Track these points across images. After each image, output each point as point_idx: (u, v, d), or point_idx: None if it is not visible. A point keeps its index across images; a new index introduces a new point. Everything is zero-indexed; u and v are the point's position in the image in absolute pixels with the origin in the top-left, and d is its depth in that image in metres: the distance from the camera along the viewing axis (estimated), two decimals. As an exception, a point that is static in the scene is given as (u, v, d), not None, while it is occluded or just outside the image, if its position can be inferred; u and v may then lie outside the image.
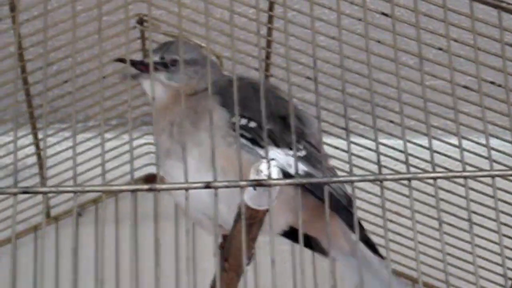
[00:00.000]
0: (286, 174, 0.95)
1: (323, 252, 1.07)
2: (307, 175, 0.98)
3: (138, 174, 1.37)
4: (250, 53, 1.20)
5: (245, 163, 0.86)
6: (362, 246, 1.02)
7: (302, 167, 0.98)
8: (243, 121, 0.97)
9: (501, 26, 0.95)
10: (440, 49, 1.10)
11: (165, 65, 1.02)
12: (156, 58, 1.02)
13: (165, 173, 1.00)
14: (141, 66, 1.02)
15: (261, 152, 0.95)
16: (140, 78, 1.02)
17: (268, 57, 1.22)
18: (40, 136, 1.28)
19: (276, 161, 0.86)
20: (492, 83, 1.11)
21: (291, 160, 0.97)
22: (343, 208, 0.99)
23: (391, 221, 1.25)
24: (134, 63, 1.02)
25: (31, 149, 1.30)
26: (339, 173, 1.16)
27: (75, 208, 0.83)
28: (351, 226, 0.99)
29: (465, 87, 1.12)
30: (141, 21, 1.19)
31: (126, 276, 1.34)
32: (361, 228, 1.03)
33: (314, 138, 1.02)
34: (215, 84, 0.95)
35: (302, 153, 0.99)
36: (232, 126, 0.96)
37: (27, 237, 1.35)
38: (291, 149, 0.97)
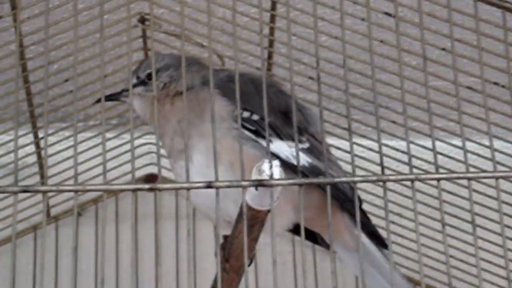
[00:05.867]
0: (291, 167, 0.95)
1: (327, 246, 1.07)
2: (312, 166, 0.99)
3: (139, 174, 1.37)
4: (252, 53, 1.19)
5: (252, 158, 0.86)
6: (367, 243, 1.02)
7: (306, 159, 0.99)
8: (246, 114, 0.98)
9: (505, 27, 0.94)
10: (444, 49, 1.09)
11: (143, 82, 1.07)
12: (134, 80, 1.07)
13: (176, 175, 1.01)
14: (124, 93, 1.07)
15: (265, 144, 0.95)
16: (121, 98, 1.08)
17: (270, 56, 1.22)
18: (40, 135, 1.28)
19: (281, 152, 0.86)
20: (495, 83, 1.11)
21: (295, 152, 0.97)
22: (349, 201, 0.99)
23: (393, 222, 1.25)
24: (115, 94, 1.08)
25: (31, 148, 1.29)
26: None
27: (76, 207, 0.82)
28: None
29: (469, 87, 1.11)
30: (142, 20, 1.19)
31: (126, 276, 1.33)
32: (368, 221, 1.04)
33: (317, 133, 1.02)
34: (208, 78, 0.95)
35: (306, 145, 1.00)
36: (236, 118, 0.96)
37: (27, 236, 1.35)
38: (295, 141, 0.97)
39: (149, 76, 1.06)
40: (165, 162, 1.12)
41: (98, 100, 1.04)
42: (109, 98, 1.07)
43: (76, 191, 0.80)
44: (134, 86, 1.06)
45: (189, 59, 1.04)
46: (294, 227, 1.02)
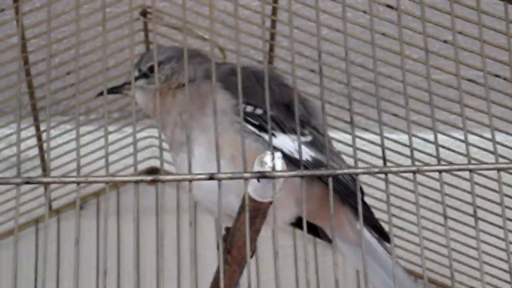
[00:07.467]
0: (294, 161, 0.95)
1: (328, 239, 1.07)
2: (314, 160, 0.99)
3: (140, 167, 1.37)
4: (253, 46, 1.19)
5: (253, 152, 0.86)
6: (368, 237, 1.02)
7: (309, 153, 0.99)
8: (249, 108, 0.98)
9: (507, 19, 0.94)
10: (445, 42, 1.09)
11: (145, 75, 1.06)
12: (136, 73, 1.06)
13: (177, 168, 1.01)
14: (127, 86, 1.07)
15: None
16: (123, 90, 1.08)
17: (271, 49, 1.22)
18: (42, 128, 1.28)
19: (284, 146, 0.86)
20: (497, 76, 1.11)
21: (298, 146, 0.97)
22: (352, 194, 0.99)
23: (394, 215, 1.25)
24: (118, 87, 1.07)
25: (33, 141, 1.29)
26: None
27: (78, 199, 0.82)
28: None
29: (471, 80, 1.11)
30: (144, 13, 1.19)
31: (128, 268, 1.33)
32: (371, 214, 1.04)
33: (319, 126, 1.02)
34: (210, 71, 0.95)
35: (308, 138, 1.00)
36: (239, 112, 0.96)
37: (28, 229, 1.35)
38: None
39: (151, 68, 1.05)
40: (167, 155, 1.12)
41: (101, 93, 1.04)
42: (111, 91, 1.07)
43: (78, 183, 0.80)
44: (136, 79, 1.06)
45: (191, 52, 1.04)
46: (295, 220, 1.02)
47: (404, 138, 1.14)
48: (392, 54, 1.11)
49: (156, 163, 1.37)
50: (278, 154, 0.83)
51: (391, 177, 0.88)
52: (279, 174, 0.82)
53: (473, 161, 0.87)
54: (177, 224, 1.35)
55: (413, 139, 0.89)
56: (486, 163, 0.87)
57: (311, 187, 0.96)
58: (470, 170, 0.85)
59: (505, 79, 1.10)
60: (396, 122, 1.22)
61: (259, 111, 0.98)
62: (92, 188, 1.37)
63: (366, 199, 1.26)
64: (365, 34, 1.10)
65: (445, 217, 0.85)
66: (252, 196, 0.85)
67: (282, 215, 0.97)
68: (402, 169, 0.86)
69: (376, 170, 0.85)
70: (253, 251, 0.99)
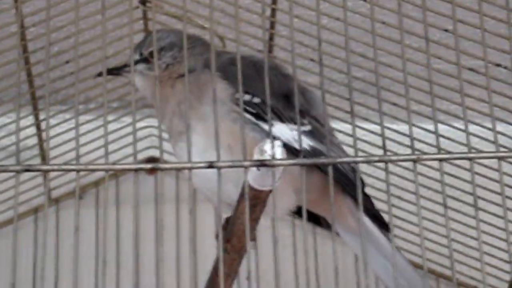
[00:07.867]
0: (292, 150, 0.95)
1: (328, 226, 1.07)
2: (313, 149, 0.98)
3: (140, 157, 1.37)
4: (253, 35, 1.19)
5: (251, 141, 0.86)
6: (369, 225, 1.02)
7: (308, 142, 0.99)
8: (247, 97, 0.98)
9: (508, 8, 0.94)
10: (446, 30, 1.09)
11: (145, 60, 1.04)
12: (136, 56, 1.04)
13: (177, 156, 1.01)
14: (126, 69, 1.05)
15: (266, 127, 0.95)
16: (124, 73, 1.06)
17: (271, 38, 1.22)
18: (41, 117, 1.28)
19: (282, 135, 0.86)
20: (498, 65, 1.10)
21: (297, 135, 0.96)
22: (352, 184, 0.99)
23: (394, 205, 1.25)
24: (118, 68, 1.05)
25: (32, 130, 1.29)
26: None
27: (77, 188, 0.82)
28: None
29: (471, 69, 1.11)
30: (143, 2, 1.18)
31: (127, 257, 1.33)
32: (371, 204, 1.03)
33: (319, 115, 1.02)
34: (209, 61, 0.95)
35: (307, 127, 1.00)
36: (236, 101, 0.96)
37: (27, 219, 1.35)
38: (296, 124, 0.96)
39: (152, 53, 1.04)
40: (166, 145, 1.12)
41: (100, 74, 1.03)
42: (110, 72, 1.05)
43: (78, 171, 0.80)
44: (136, 62, 1.04)
45: (193, 40, 1.03)
46: (297, 209, 1.02)
47: (404, 128, 1.13)
48: (393, 43, 1.10)
49: (155, 152, 1.37)
50: (278, 142, 0.83)
51: (391, 167, 0.88)
52: (279, 162, 0.82)
53: (473, 151, 0.86)
54: (177, 213, 1.35)
55: (413, 129, 0.89)
56: (486, 152, 0.87)
57: (310, 176, 0.96)
58: (470, 159, 0.85)
59: (506, 68, 1.10)
60: (396, 111, 1.21)
61: (256, 100, 0.98)
62: (92, 177, 1.37)
63: (366, 189, 1.26)
64: (365, 23, 1.10)
65: (445, 207, 0.85)
66: (252, 184, 0.84)
67: (281, 205, 0.97)
68: (402, 158, 0.86)
69: (376, 159, 0.85)
70: (254, 239, 0.98)
